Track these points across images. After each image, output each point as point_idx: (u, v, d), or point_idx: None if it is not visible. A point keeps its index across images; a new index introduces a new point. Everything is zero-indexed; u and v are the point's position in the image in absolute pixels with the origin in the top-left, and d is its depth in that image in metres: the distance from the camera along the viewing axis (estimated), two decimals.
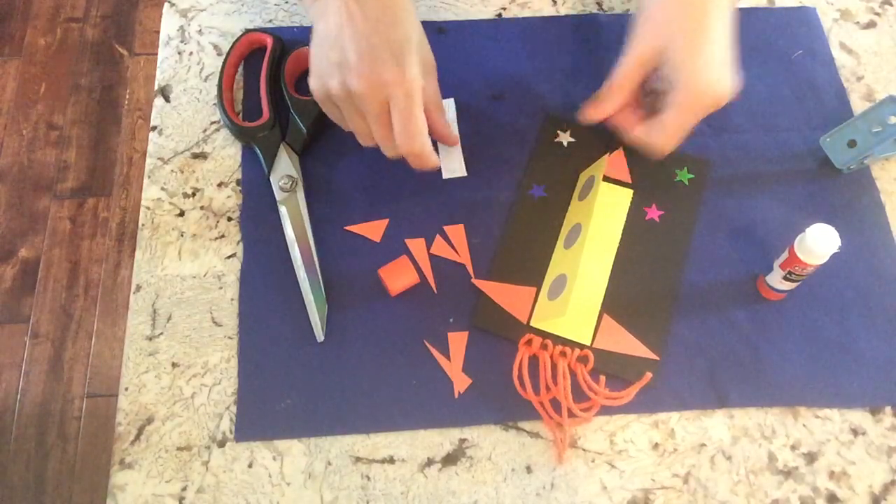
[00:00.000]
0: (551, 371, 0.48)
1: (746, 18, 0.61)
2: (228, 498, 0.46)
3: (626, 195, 0.54)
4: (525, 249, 0.52)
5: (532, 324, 0.50)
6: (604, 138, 0.55)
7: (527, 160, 0.55)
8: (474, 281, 0.51)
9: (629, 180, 0.55)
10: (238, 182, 0.55)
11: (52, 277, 1.37)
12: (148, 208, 0.54)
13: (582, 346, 0.49)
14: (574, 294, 0.47)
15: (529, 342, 0.48)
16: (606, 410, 0.48)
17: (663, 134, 0.50)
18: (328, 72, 0.47)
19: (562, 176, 0.55)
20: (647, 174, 0.55)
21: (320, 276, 0.51)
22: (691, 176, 0.55)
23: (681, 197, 0.54)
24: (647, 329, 0.50)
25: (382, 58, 0.45)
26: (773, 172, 0.56)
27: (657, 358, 0.49)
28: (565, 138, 0.56)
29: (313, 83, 0.48)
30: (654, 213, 0.54)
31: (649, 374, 0.48)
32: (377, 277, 0.51)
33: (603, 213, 0.53)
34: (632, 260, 0.52)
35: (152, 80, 1.51)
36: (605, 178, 0.54)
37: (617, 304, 0.51)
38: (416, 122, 0.46)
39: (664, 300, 0.51)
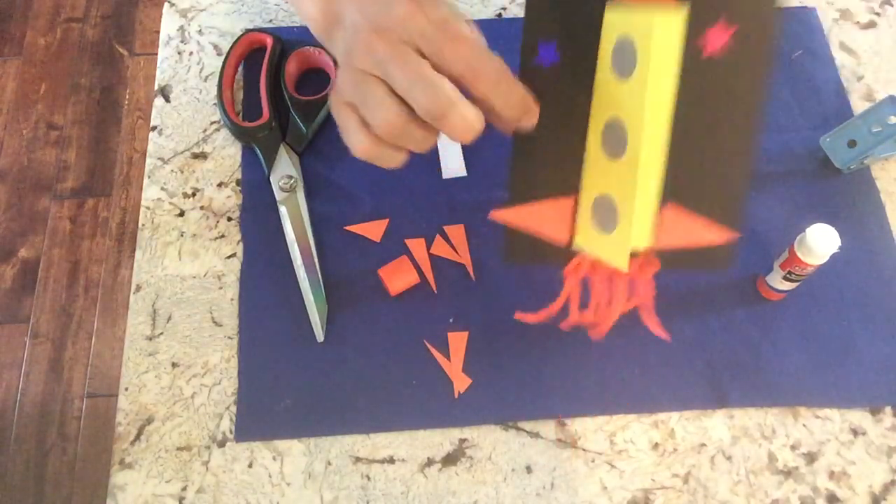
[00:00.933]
0: (608, 290, 0.38)
1: None
2: (228, 498, 0.46)
3: (677, 25, 0.33)
4: (547, 149, 0.38)
5: (575, 245, 0.39)
6: None
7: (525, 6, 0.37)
8: (493, 215, 0.38)
9: None
10: (238, 182, 0.55)
11: (52, 277, 1.37)
12: (148, 208, 0.54)
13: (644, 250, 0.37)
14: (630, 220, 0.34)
15: (579, 265, 0.38)
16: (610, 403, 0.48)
17: None
18: (344, 58, 0.36)
19: (578, 20, 0.36)
20: None
21: (320, 276, 0.51)
22: None
23: (752, 2, 0.34)
24: (721, 201, 0.37)
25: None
26: (773, 172, 0.56)
27: (737, 234, 0.37)
28: None
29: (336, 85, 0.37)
30: (717, 39, 0.34)
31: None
32: (377, 277, 0.51)
33: (656, 92, 0.34)
34: (692, 118, 0.35)
35: (152, 80, 1.50)
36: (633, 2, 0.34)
37: (681, 182, 0.36)
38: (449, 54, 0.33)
39: (739, 156, 0.37)
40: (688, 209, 0.37)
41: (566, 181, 0.37)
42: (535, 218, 0.38)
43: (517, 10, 0.63)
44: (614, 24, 0.34)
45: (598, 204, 0.37)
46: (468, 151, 0.56)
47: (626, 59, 0.34)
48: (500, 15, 0.63)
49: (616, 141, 0.35)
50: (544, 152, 0.38)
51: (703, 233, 0.37)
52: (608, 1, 0.35)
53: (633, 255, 0.36)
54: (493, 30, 0.61)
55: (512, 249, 0.40)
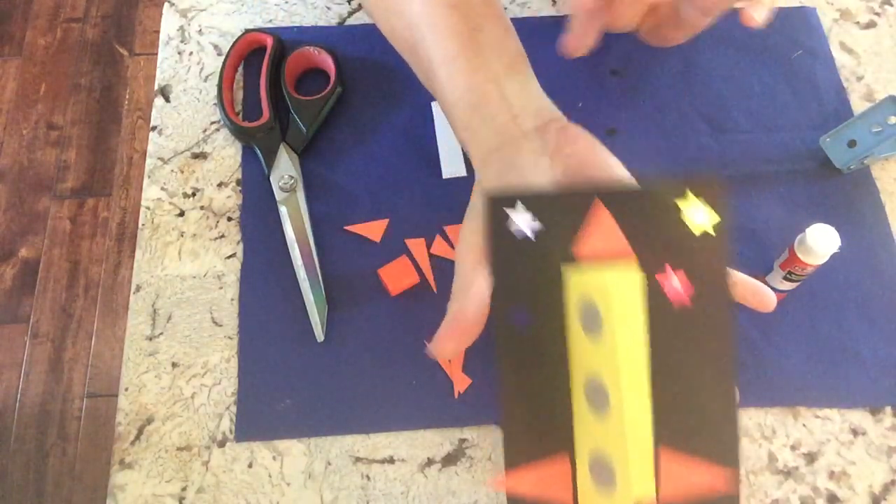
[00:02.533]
0: None
1: None
2: (228, 498, 0.46)
3: (634, 277, 0.36)
4: (535, 409, 0.38)
5: None
6: (573, 202, 0.36)
7: (490, 269, 0.38)
8: (497, 488, 0.42)
9: (627, 246, 0.36)
10: (238, 182, 0.55)
11: (52, 277, 1.37)
12: (148, 208, 0.54)
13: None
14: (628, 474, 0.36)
15: None
16: None
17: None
18: None
19: (542, 284, 0.37)
20: (643, 225, 0.37)
21: (320, 276, 0.51)
22: (704, 205, 0.36)
23: (699, 246, 0.36)
24: (712, 442, 0.38)
25: None
26: (773, 172, 0.56)
27: (736, 491, 0.38)
28: (525, 222, 0.36)
29: None
30: (674, 285, 0.36)
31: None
32: (377, 277, 0.51)
33: (627, 347, 0.36)
34: (670, 370, 0.37)
35: (152, 80, 1.50)
36: (590, 257, 0.36)
37: (669, 429, 0.37)
38: None
39: (721, 403, 0.38)
40: (682, 452, 0.37)
41: (559, 440, 0.38)
42: (535, 483, 0.38)
43: (517, 10, 0.63)
44: (575, 285, 0.36)
45: (594, 461, 0.37)
46: None
47: (593, 320, 0.35)
48: None
49: (599, 397, 0.36)
50: (533, 413, 0.38)
51: (702, 475, 0.37)
52: (564, 263, 0.36)
53: None
54: None
55: None
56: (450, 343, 0.39)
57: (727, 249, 0.36)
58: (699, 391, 0.37)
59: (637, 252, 0.36)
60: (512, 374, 0.38)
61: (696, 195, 0.36)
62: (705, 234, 0.36)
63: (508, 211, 0.36)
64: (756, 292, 0.39)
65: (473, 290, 0.39)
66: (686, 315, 0.37)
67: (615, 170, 0.39)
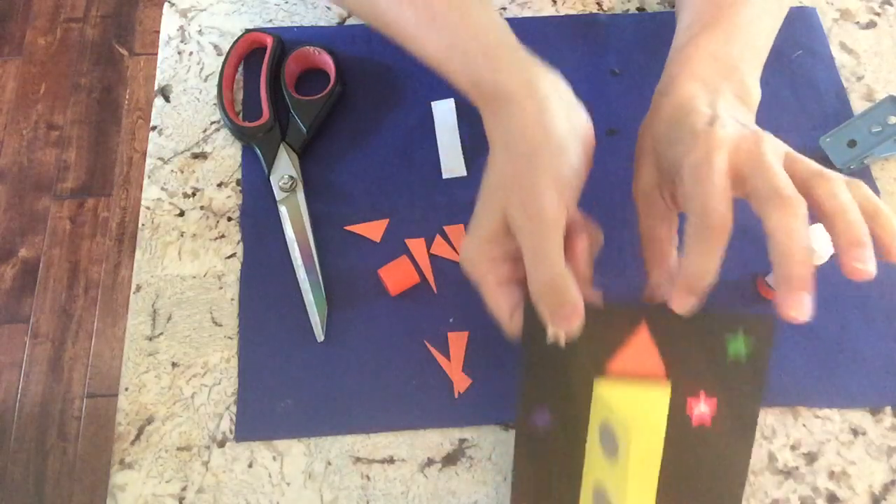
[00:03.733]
0: None
1: None
2: (228, 498, 0.46)
3: (662, 400, 0.37)
4: (542, 495, 0.41)
5: None
6: (620, 316, 0.38)
7: (522, 371, 0.40)
8: None
9: (662, 369, 0.38)
10: (238, 182, 0.55)
11: (52, 277, 1.37)
12: (148, 208, 0.54)
13: None
14: None
15: None
16: None
17: (690, 257, 0.36)
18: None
19: (568, 392, 0.39)
20: (687, 353, 0.38)
21: (320, 276, 0.51)
22: (749, 341, 0.37)
23: (737, 382, 0.38)
24: None
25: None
26: None
27: None
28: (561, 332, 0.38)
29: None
30: (701, 410, 0.38)
31: None
32: (377, 277, 0.51)
33: (638, 474, 0.38)
34: (679, 478, 0.38)
35: (152, 80, 1.51)
36: (623, 374, 0.38)
37: None
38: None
39: None
40: None
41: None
42: None
43: (517, 10, 0.63)
44: (601, 402, 0.38)
45: None
46: (468, 152, 0.56)
47: (610, 442, 0.38)
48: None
49: None
50: (541, 494, 0.40)
51: None
52: (595, 376, 0.38)
53: None
54: None
55: None
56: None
57: (763, 381, 0.37)
58: (706, 499, 0.39)
59: (672, 375, 0.38)
60: (525, 465, 0.41)
61: (746, 333, 0.37)
62: (741, 364, 0.37)
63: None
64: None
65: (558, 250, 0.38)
66: (704, 434, 0.38)
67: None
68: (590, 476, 0.39)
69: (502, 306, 0.40)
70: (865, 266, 0.33)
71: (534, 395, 0.39)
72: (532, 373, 0.39)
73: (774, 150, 0.37)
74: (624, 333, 0.38)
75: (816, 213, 0.35)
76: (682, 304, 0.36)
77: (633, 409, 0.36)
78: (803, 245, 0.33)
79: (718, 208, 0.35)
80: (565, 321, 0.37)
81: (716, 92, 0.41)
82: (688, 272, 0.35)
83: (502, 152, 0.41)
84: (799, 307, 0.33)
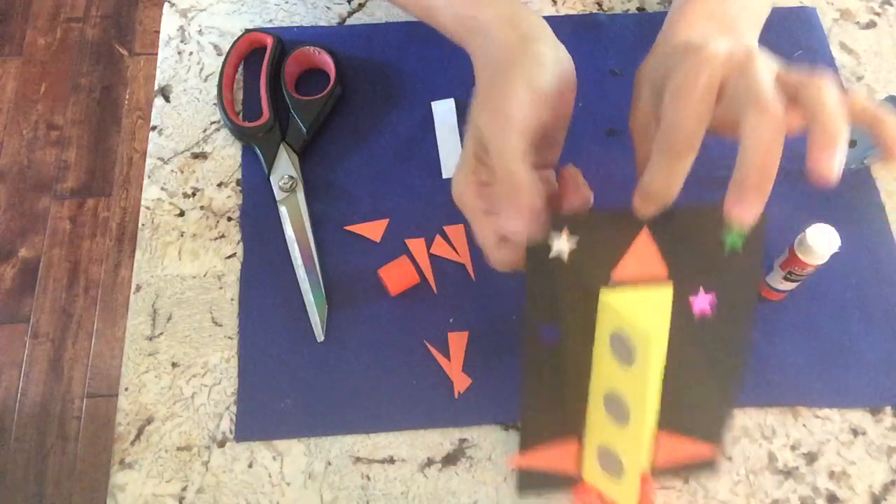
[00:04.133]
0: None
1: None
2: (228, 498, 0.46)
3: (666, 299, 0.38)
4: (552, 405, 0.42)
5: (584, 477, 0.43)
6: (620, 223, 0.38)
7: (525, 288, 0.39)
8: (512, 465, 0.46)
9: (663, 269, 0.38)
10: (238, 182, 0.55)
11: (52, 277, 1.37)
12: (148, 208, 0.54)
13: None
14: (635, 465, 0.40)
15: (587, 492, 0.43)
16: None
17: (658, 154, 0.34)
18: None
19: (573, 305, 0.39)
20: (686, 250, 0.38)
21: (320, 276, 0.51)
22: (743, 238, 0.38)
23: (733, 273, 0.38)
24: (707, 428, 0.42)
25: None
26: None
27: (717, 455, 0.43)
28: (563, 245, 0.37)
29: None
30: (702, 303, 0.39)
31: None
32: (377, 277, 0.51)
33: (655, 377, 0.39)
34: (682, 367, 0.39)
35: (152, 80, 1.51)
36: (627, 280, 0.38)
37: (671, 415, 0.41)
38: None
39: (724, 396, 0.42)
40: (677, 434, 0.42)
41: (570, 429, 0.42)
42: (545, 459, 0.43)
43: None
44: (609, 310, 0.38)
45: (602, 453, 0.41)
46: None
47: (624, 351, 0.38)
48: None
49: (618, 411, 0.39)
50: (550, 408, 0.42)
51: (691, 449, 0.42)
52: (600, 286, 0.38)
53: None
54: None
55: (525, 481, 0.44)
56: (522, 225, 0.37)
57: (758, 270, 0.38)
58: (703, 387, 0.41)
59: (673, 275, 0.38)
60: (535, 380, 0.41)
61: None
62: (737, 254, 0.38)
63: (553, 234, 0.37)
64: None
65: (523, 174, 0.37)
66: (705, 325, 0.39)
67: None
68: (599, 384, 0.40)
69: (489, 235, 0.39)
70: (830, 173, 0.33)
71: (539, 314, 0.39)
72: (535, 292, 0.39)
73: (766, 64, 0.36)
74: (626, 240, 0.38)
75: (804, 117, 0.35)
76: (640, 211, 0.35)
77: (644, 314, 0.36)
78: (770, 155, 0.33)
79: (687, 124, 0.34)
80: (517, 221, 0.36)
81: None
82: (646, 184, 0.35)
83: (482, 77, 0.40)
84: (746, 211, 0.32)
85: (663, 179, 0.34)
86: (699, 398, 0.41)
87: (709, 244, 0.38)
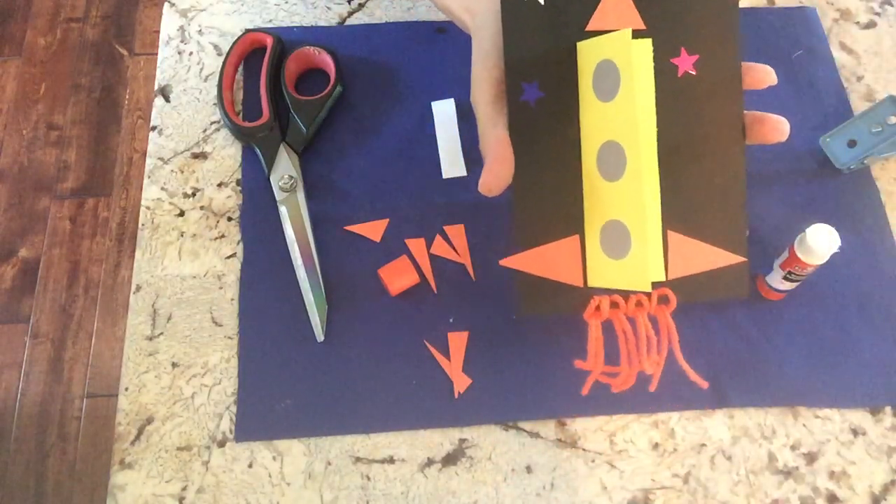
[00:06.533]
0: (633, 336, 0.38)
1: (746, 18, 0.61)
2: (228, 498, 0.46)
3: (646, 48, 0.35)
4: (545, 187, 0.38)
5: (590, 284, 0.38)
6: None
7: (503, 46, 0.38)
8: (502, 263, 0.38)
9: (641, 23, 0.37)
10: (238, 182, 0.55)
11: (52, 277, 1.37)
12: (148, 208, 0.54)
13: (657, 285, 0.37)
14: (644, 242, 0.34)
15: (598, 308, 0.37)
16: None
17: None
18: None
19: (556, 56, 0.37)
20: (662, 8, 0.37)
21: (320, 276, 0.51)
22: None
23: (713, 24, 0.37)
24: (720, 226, 0.38)
25: None
26: (773, 172, 0.56)
27: (744, 259, 0.38)
28: None
29: None
30: (685, 63, 0.37)
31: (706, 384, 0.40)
32: (377, 277, 0.51)
33: (644, 108, 0.36)
34: (678, 143, 0.37)
35: (152, 80, 1.51)
36: (604, 32, 0.36)
37: (676, 209, 0.37)
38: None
39: (729, 179, 0.38)
40: (690, 235, 0.37)
41: (569, 217, 0.38)
42: (544, 262, 0.38)
43: None
44: (590, 52, 0.36)
45: (606, 232, 0.37)
46: (468, 151, 0.56)
47: (609, 82, 0.35)
48: None
49: (614, 162, 0.36)
50: (543, 191, 0.38)
51: (711, 256, 0.37)
52: (578, 39, 0.37)
53: (652, 286, 0.35)
54: None
55: (526, 301, 0.38)
56: (495, 179, 0.38)
57: (736, 28, 0.37)
58: (708, 172, 0.37)
59: (652, 31, 0.37)
60: (524, 157, 0.38)
61: None
62: (714, 9, 0.37)
63: None
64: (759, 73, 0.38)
65: (499, 130, 0.38)
66: (692, 81, 0.37)
67: None
68: (592, 136, 0.37)
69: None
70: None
71: (520, 72, 0.38)
72: (514, 50, 0.38)
73: None
74: None
75: None
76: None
77: (626, 48, 0.34)
78: None
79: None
80: (485, 177, 0.38)
81: None
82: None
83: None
84: None
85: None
86: (705, 187, 0.38)
87: (686, 2, 0.37)
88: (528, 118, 0.38)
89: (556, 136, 0.38)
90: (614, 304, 0.37)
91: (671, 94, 0.37)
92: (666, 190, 0.36)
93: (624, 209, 0.35)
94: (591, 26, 0.37)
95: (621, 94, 0.35)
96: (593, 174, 0.37)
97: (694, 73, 0.37)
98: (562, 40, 0.37)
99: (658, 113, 0.36)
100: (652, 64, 0.35)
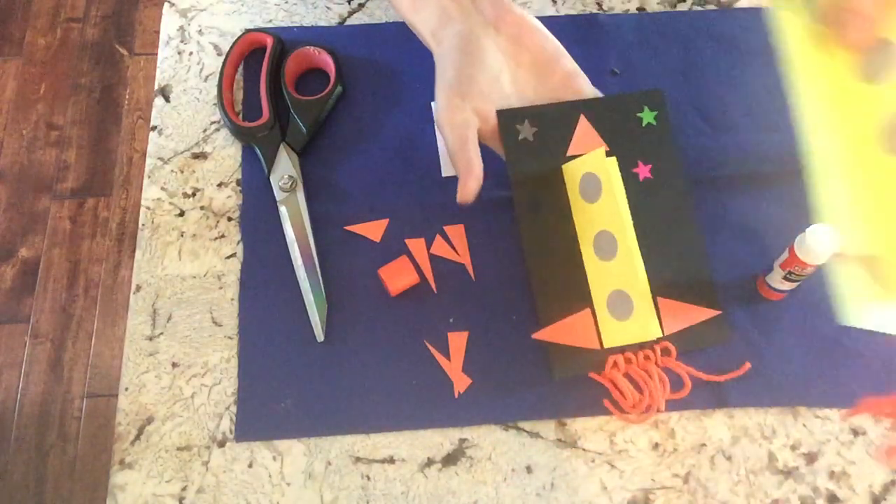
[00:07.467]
0: (649, 378, 0.48)
1: (746, 18, 0.61)
2: (228, 498, 0.46)
3: (614, 164, 0.48)
4: (555, 272, 0.49)
5: (606, 345, 0.47)
6: (562, 114, 0.50)
7: (508, 174, 0.50)
8: (535, 336, 0.48)
9: (605, 146, 0.50)
10: (238, 182, 0.55)
11: (52, 277, 1.37)
12: (148, 208, 0.54)
13: (657, 340, 0.48)
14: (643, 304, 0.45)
15: (616, 364, 0.48)
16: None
17: None
18: None
19: (548, 176, 0.50)
20: (616, 129, 0.50)
21: (320, 276, 0.51)
22: (655, 113, 0.51)
23: (656, 142, 0.50)
24: (695, 290, 0.49)
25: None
26: (773, 172, 0.56)
27: (719, 311, 0.48)
28: (527, 131, 0.50)
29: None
30: (644, 171, 0.50)
31: (748, 364, 0.49)
32: (377, 277, 0.51)
33: (623, 204, 0.46)
34: (650, 230, 0.48)
35: (152, 80, 1.50)
36: (580, 154, 0.49)
37: (660, 280, 0.48)
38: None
39: (694, 254, 0.50)
40: (675, 299, 0.48)
41: (580, 294, 0.48)
42: (566, 333, 0.48)
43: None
44: (574, 169, 0.49)
45: (611, 300, 0.46)
46: None
47: (592, 188, 0.47)
48: None
49: (607, 247, 0.47)
50: (555, 277, 0.49)
51: (693, 313, 0.48)
52: (562, 162, 0.50)
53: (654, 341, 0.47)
54: None
55: (557, 367, 0.48)
56: (470, 192, 0.47)
57: (670, 138, 0.51)
58: (674, 244, 0.49)
59: (614, 150, 0.49)
60: (535, 248, 0.49)
61: (650, 107, 0.51)
62: (654, 127, 0.51)
63: (518, 125, 0.50)
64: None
65: (467, 150, 0.47)
66: (651, 184, 0.50)
67: (549, 41, 0.50)
68: (586, 229, 0.48)
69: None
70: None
71: (523, 192, 0.50)
72: (515, 171, 0.50)
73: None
74: (570, 125, 0.50)
75: None
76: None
77: (603, 163, 0.46)
78: None
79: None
80: (460, 191, 0.47)
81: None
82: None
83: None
84: None
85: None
86: (677, 265, 0.49)
87: (632, 124, 0.50)
88: (536, 224, 0.49)
89: (558, 233, 0.49)
90: (628, 360, 0.48)
91: (638, 194, 0.48)
92: (649, 266, 0.47)
93: (622, 280, 0.45)
94: (570, 151, 0.50)
95: (604, 196, 0.46)
96: (592, 257, 0.48)
97: (651, 177, 0.50)
98: (550, 165, 0.50)
99: (631, 209, 0.46)
100: (619, 173, 0.47)
